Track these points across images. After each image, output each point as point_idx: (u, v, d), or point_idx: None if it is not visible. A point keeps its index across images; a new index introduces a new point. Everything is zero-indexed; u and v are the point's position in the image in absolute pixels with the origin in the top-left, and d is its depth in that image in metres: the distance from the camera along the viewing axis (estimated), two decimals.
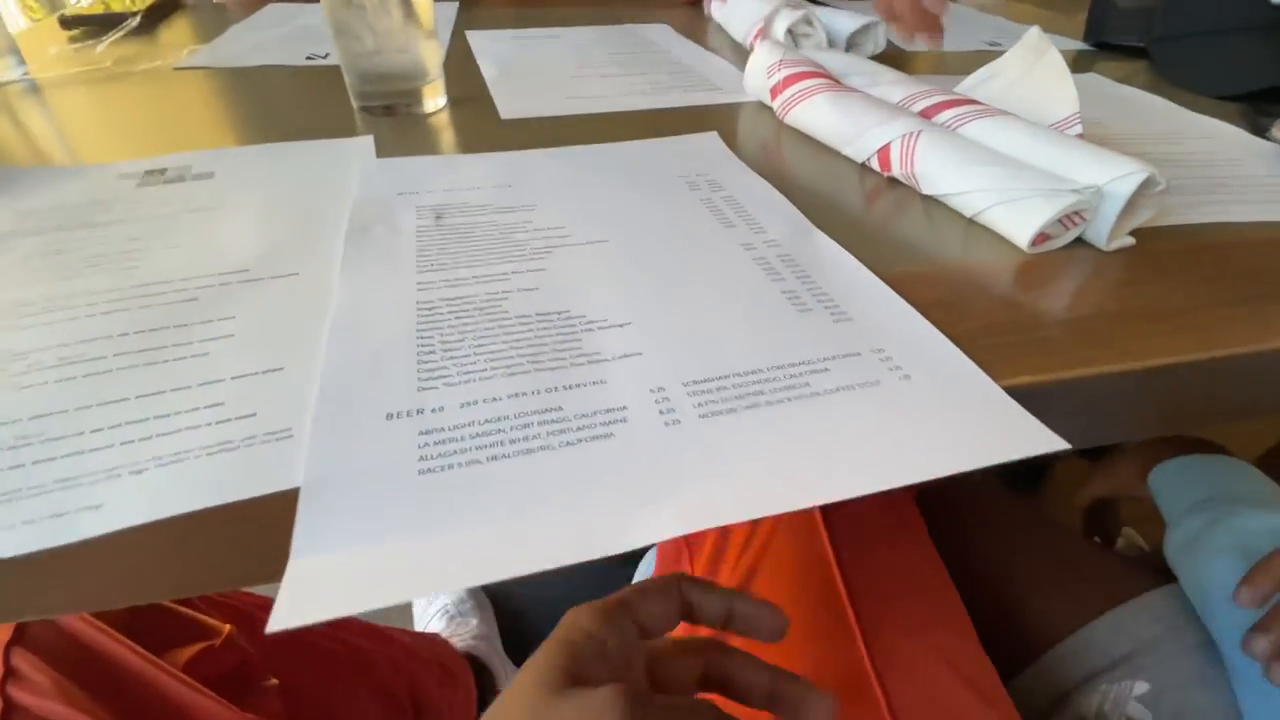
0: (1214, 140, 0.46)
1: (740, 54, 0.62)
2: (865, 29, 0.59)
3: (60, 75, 0.54)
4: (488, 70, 0.56)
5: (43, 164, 0.39)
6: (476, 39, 0.66)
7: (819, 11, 0.59)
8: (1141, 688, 0.40)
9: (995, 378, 0.24)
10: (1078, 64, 0.63)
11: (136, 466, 0.19)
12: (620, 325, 0.26)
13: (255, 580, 0.21)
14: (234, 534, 0.19)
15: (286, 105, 0.49)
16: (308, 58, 0.59)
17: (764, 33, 0.59)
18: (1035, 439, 0.21)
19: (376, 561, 0.17)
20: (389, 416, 0.21)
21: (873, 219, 0.35)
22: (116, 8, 0.71)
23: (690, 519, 0.18)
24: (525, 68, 0.57)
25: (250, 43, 0.63)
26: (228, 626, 0.46)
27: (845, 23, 0.59)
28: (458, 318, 0.26)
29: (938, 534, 0.45)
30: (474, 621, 0.82)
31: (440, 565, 0.17)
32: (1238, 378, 0.27)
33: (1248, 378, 0.27)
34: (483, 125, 0.46)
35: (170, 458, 0.20)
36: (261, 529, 0.19)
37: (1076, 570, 0.48)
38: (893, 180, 0.38)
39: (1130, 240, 0.32)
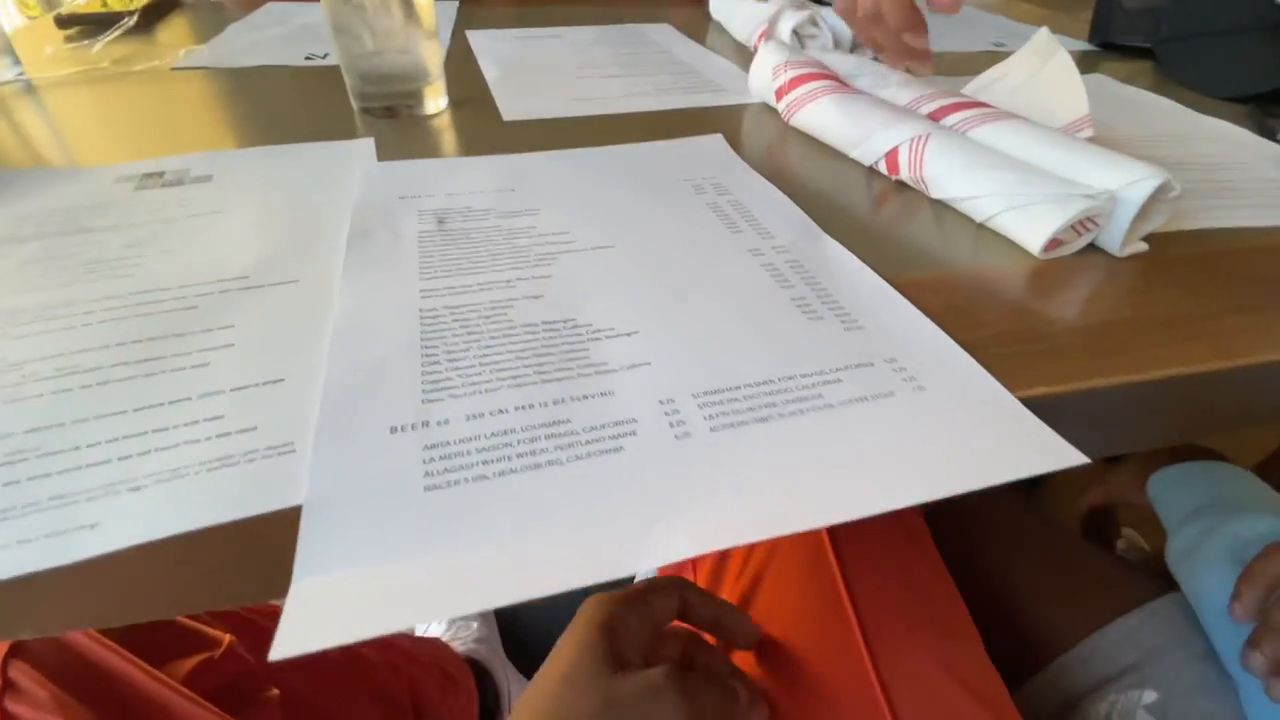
0: (1222, 142, 0.46)
1: (743, 54, 0.61)
2: None
3: (56, 75, 0.53)
4: (489, 71, 0.56)
5: (38, 166, 0.39)
6: (477, 39, 0.65)
7: (824, 12, 0.58)
8: (1150, 696, 0.39)
9: (1010, 388, 0.23)
10: (1082, 64, 0.63)
11: (134, 483, 0.19)
12: (627, 334, 0.25)
13: (257, 598, 0.20)
14: (235, 551, 0.19)
15: (286, 106, 0.49)
16: (307, 58, 0.58)
17: (769, 33, 0.59)
18: (1055, 453, 0.21)
19: (383, 585, 0.17)
20: (393, 430, 0.21)
21: (881, 223, 0.35)
22: (114, 6, 0.71)
23: (704, 538, 0.18)
24: (527, 68, 0.57)
25: (249, 42, 0.63)
26: (228, 637, 0.45)
27: None
28: (462, 326, 0.25)
29: (941, 539, 0.45)
30: (475, 625, 0.81)
31: (449, 590, 0.16)
32: (1254, 386, 0.27)
33: (1265, 386, 0.27)
34: (485, 127, 0.45)
35: (169, 474, 0.19)
36: (263, 545, 0.19)
37: (1082, 576, 0.47)
38: (901, 184, 0.38)
39: (1143, 246, 0.32)
